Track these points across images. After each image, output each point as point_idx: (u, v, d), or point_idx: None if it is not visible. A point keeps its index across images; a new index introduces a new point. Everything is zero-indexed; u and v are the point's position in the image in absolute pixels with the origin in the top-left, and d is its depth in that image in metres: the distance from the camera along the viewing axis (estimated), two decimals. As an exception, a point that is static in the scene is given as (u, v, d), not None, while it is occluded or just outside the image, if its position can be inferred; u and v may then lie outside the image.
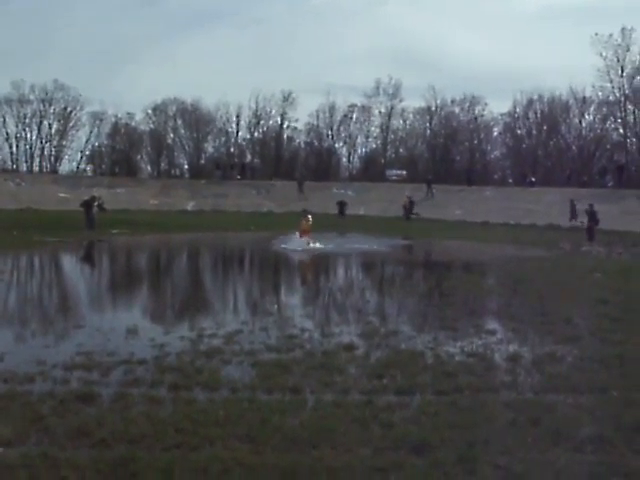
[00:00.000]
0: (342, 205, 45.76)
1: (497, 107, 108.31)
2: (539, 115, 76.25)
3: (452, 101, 79.39)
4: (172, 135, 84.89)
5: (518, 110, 76.82)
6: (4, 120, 79.06)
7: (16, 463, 5.62)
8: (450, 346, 10.39)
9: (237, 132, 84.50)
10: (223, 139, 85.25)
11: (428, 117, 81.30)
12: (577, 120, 73.76)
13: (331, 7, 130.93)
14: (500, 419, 7.00)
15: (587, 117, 73.27)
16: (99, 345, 10.00)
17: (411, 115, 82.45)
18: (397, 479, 5.57)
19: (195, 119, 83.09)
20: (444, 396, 7.77)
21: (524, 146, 76.80)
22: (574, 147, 73.53)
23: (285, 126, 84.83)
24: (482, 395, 7.83)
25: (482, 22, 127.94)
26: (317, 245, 28.02)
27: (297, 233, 29.20)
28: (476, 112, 79.44)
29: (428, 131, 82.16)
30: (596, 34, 64.24)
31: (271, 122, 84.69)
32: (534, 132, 76.52)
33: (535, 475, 5.71)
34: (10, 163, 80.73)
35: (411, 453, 6.04)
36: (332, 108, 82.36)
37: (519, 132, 78.06)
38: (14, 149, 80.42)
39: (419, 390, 7.98)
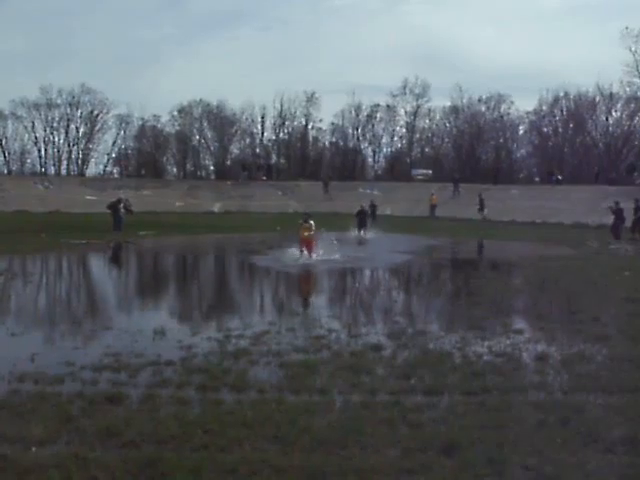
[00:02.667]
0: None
1: (523, 105, 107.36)
2: (565, 112, 75.57)
3: (478, 99, 79.03)
4: (198, 137, 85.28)
5: (544, 108, 76.24)
6: (33, 124, 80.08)
7: (48, 463, 5.68)
8: (478, 346, 10.33)
9: (262, 133, 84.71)
10: (248, 140, 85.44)
11: (454, 116, 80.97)
12: (604, 117, 73.01)
13: (353, 6, 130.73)
14: (529, 420, 6.94)
15: (614, 114, 72.55)
16: (127, 347, 10.05)
17: (437, 114, 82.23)
18: (426, 481, 5.55)
19: (220, 120, 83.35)
20: (472, 396, 7.73)
21: (550, 144, 76.12)
22: (601, 144, 72.75)
23: (310, 126, 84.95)
24: (511, 395, 7.77)
25: (507, 19, 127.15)
26: (321, 257, 22.87)
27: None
28: (502, 110, 78.98)
29: (454, 130, 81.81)
30: (626, 28, 63.24)
31: (296, 123, 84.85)
32: (560, 130, 75.87)
33: (565, 477, 5.66)
34: (39, 167, 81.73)
35: (440, 454, 6.01)
36: (357, 108, 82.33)
37: (545, 130, 77.42)
38: (42, 153, 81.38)
39: (447, 390, 7.95)
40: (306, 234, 23.34)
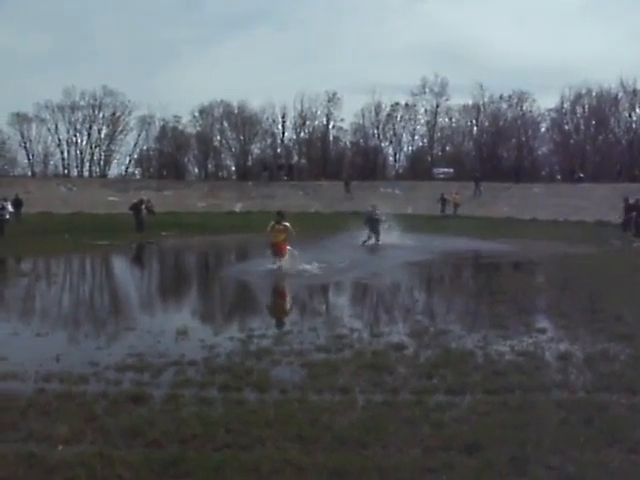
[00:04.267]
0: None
1: (545, 102, 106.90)
2: (587, 109, 75.03)
3: (499, 97, 78.67)
4: (219, 137, 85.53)
5: (566, 105, 75.75)
6: (56, 127, 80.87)
7: (74, 461, 5.75)
8: (500, 345, 10.30)
9: (283, 133, 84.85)
10: (269, 140, 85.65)
11: (474, 114, 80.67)
12: (627, 113, 72.55)
13: (372, 5, 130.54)
14: (552, 419, 6.91)
15: (638, 110, 71.98)
16: (150, 347, 10.12)
17: (457, 112, 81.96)
18: None
19: (241, 121, 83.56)
20: (495, 395, 7.71)
21: (572, 141, 75.62)
22: (624, 141, 72.23)
23: (331, 126, 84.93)
24: (533, 394, 7.75)
25: (528, 15, 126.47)
26: (293, 265, 19.76)
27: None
28: (524, 108, 78.58)
29: (475, 128, 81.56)
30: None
31: (317, 122, 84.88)
32: (582, 127, 75.33)
33: (589, 476, 5.63)
34: (62, 168, 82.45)
35: (462, 453, 6.01)
36: (377, 107, 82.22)
37: (567, 127, 76.86)
38: (65, 155, 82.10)
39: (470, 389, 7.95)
40: (276, 238, 19.89)
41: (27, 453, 5.94)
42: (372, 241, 28.88)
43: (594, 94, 73.42)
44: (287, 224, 20.00)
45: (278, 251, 19.83)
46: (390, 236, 29.26)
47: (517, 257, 25.56)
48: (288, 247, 19.98)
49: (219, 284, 18.85)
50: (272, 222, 20.25)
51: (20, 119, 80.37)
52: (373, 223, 29.23)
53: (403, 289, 18.27)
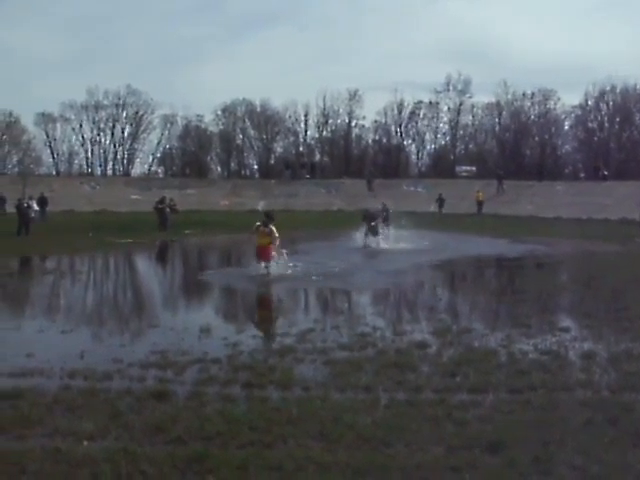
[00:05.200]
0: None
1: (569, 100, 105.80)
2: (611, 106, 74.33)
3: (522, 95, 78.16)
4: (241, 136, 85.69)
5: (590, 102, 75.05)
6: (80, 126, 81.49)
7: (99, 456, 5.81)
8: (523, 344, 10.24)
9: (305, 131, 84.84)
10: (292, 139, 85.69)
11: (498, 112, 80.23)
12: (653, 110, 71.79)
13: (394, 2, 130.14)
14: (576, 418, 6.85)
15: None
16: (173, 344, 10.17)
17: (480, 110, 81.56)
18: (471, 479, 5.51)
19: (264, 119, 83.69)
20: (518, 394, 7.67)
21: (596, 139, 74.96)
22: (649, 138, 71.55)
23: (353, 124, 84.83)
24: (557, 394, 7.70)
25: (552, 11, 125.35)
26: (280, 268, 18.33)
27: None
28: (547, 106, 78.00)
29: (498, 126, 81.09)
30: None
31: (339, 121, 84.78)
32: (606, 124, 74.64)
33: (613, 477, 5.59)
34: (86, 167, 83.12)
35: (485, 452, 5.97)
36: (400, 105, 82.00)
37: (591, 125, 76.18)
38: (89, 154, 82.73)
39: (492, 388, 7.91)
40: (261, 240, 18.19)
41: (53, 448, 6.00)
42: (372, 242, 26.68)
43: (618, 90, 72.87)
44: (273, 228, 18.09)
45: (263, 254, 18.08)
46: (403, 236, 27.79)
47: (540, 256, 25.38)
48: (280, 251, 18.42)
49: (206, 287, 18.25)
50: (257, 223, 18.57)
51: (45, 119, 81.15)
52: (372, 220, 27.14)
53: (380, 305, 15.42)
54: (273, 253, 18.13)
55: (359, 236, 27.51)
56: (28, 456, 5.81)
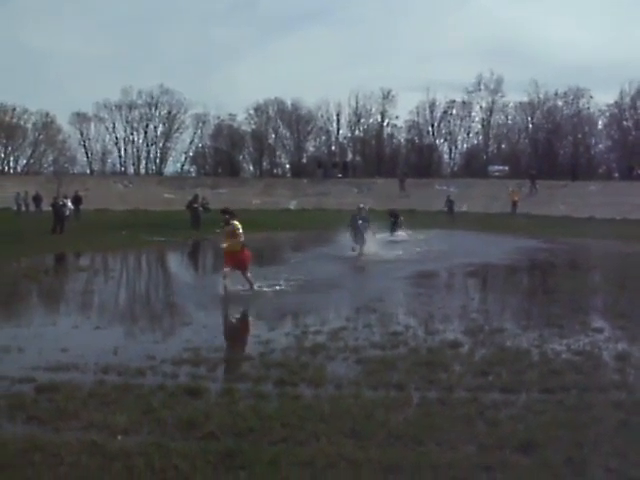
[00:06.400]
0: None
1: (603, 98, 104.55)
2: (648, 104, 73.39)
3: (555, 94, 77.45)
4: (273, 135, 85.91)
5: (625, 100, 74.12)
6: (114, 125, 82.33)
7: (132, 450, 5.87)
8: (556, 344, 10.16)
9: (338, 130, 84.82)
10: (324, 138, 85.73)
11: (530, 111, 79.58)
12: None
13: (426, 2, 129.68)
14: (610, 419, 6.78)
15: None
16: (206, 341, 10.24)
17: (512, 110, 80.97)
18: (503, 478, 5.48)
19: (296, 118, 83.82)
20: (551, 394, 7.62)
21: (631, 138, 73.86)
22: (686, 137, 70.49)
23: (385, 123, 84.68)
24: (590, 394, 7.62)
25: (585, 8, 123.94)
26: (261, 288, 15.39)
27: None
28: (580, 105, 77.17)
29: (530, 125, 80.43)
30: None
31: (371, 120, 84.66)
32: (642, 123, 73.71)
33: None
34: (119, 166, 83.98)
35: (517, 452, 5.93)
36: (432, 104, 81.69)
37: (625, 123, 75.21)
38: (122, 153, 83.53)
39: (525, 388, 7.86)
40: (231, 245, 15.14)
41: (89, 441, 6.08)
42: (356, 251, 23.78)
43: (655, 89, 71.76)
44: (236, 223, 15.30)
45: (234, 262, 15.00)
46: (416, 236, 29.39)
47: (574, 256, 25.16)
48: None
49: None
50: (221, 224, 15.85)
51: (80, 118, 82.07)
52: (358, 227, 23.99)
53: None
54: (247, 256, 15.34)
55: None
56: (65, 448, 5.90)
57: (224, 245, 15.17)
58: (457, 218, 43.74)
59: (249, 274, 15.20)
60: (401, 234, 30.44)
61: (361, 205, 25.73)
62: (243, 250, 15.11)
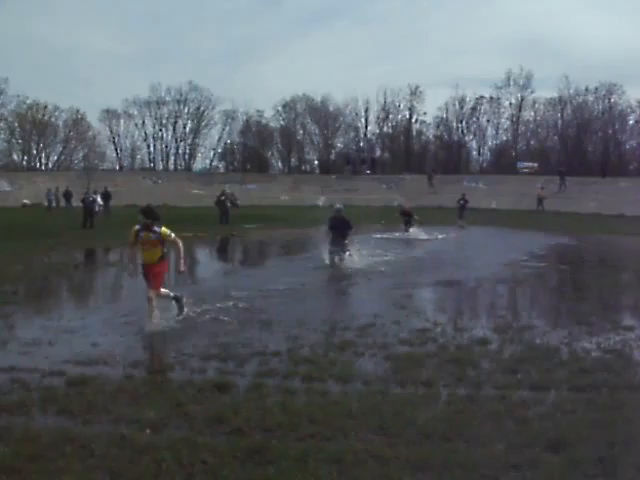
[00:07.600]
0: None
1: (634, 94, 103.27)
2: (682, 101, 72.41)
3: (585, 89, 76.68)
4: (302, 131, 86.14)
5: (658, 96, 73.15)
6: (143, 122, 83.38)
7: (161, 445, 5.90)
8: (585, 342, 10.05)
9: (366, 127, 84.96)
10: (352, 134, 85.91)
11: (560, 107, 78.92)
12: None
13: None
14: (640, 419, 6.71)
15: None
16: (234, 337, 10.25)
17: (542, 106, 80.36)
18: (532, 477, 5.43)
19: (324, 115, 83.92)
20: (581, 393, 7.54)
21: (663, 134, 73.16)
22: None
23: (414, 120, 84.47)
24: (621, 393, 7.53)
25: (616, 4, 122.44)
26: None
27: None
28: (611, 100, 76.31)
29: (560, 122, 79.73)
30: None
31: (399, 116, 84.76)
32: (675, 119, 72.79)
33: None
34: (148, 162, 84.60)
35: (547, 450, 5.88)
36: (461, 101, 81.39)
37: (657, 119, 74.37)
38: (151, 149, 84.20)
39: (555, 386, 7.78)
40: (147, 256, 11.45)
41: (118, 435, 6.13)
42: (336, 259, 20.11)
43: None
44: (165, 230, 11.49)
45: (150, 278, 11.32)
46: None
47: (603, 254, 24.89)
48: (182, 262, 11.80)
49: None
50: (136, 227, 11.48)
51: (109, 115, 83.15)
52: (337, 231, 20.42)
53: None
54: (163, 272, 11.73)
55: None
56: (95, 441, 5.95)
57: (138, 263, 11.80)
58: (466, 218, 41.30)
59: (164, 291, 11.65)
60: (414, 231, 31.14)
61: (337, 205, 21.92)
62: (162, 264, 11.63)
